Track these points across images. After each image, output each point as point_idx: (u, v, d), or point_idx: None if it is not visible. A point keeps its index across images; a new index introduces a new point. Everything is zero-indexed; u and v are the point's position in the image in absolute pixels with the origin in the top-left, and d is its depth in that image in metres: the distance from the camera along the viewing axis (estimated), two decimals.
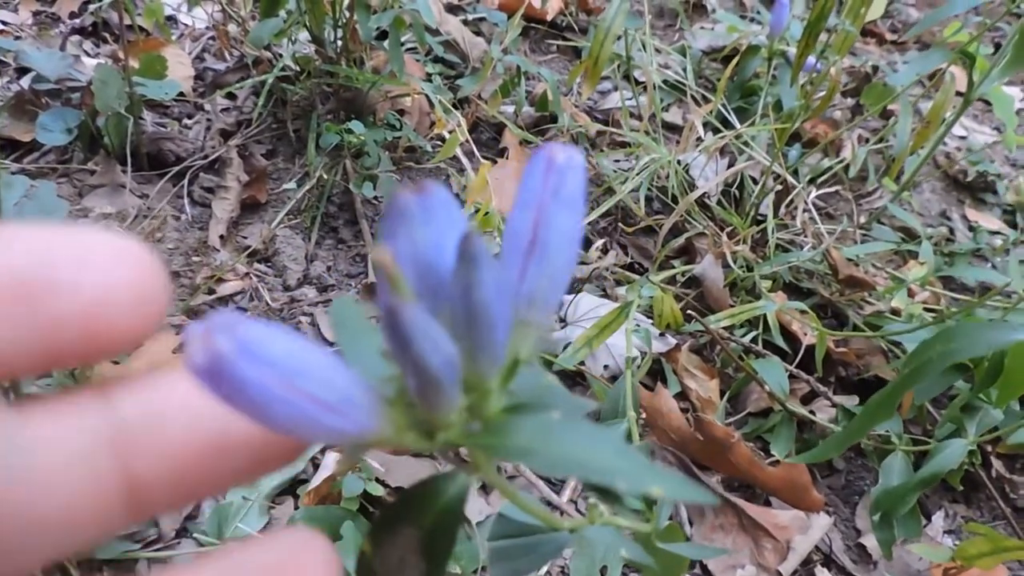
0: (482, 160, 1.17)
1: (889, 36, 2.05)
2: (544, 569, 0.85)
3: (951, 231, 1.44)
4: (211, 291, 1.07)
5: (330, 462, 0.83)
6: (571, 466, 0.21)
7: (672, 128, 1.50)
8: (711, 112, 1.28)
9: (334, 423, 0.19)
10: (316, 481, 0.82)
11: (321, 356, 0.19)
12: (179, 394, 0.20)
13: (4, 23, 1.41)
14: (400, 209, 0.21)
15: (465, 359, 0.22)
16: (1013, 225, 1.46)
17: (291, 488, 0.85)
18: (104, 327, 0.18)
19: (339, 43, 1.25)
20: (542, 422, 0.22)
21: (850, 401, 1.01)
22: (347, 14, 1.22)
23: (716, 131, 1.29)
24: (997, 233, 1.41)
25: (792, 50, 1.29)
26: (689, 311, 1.14)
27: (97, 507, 0.19)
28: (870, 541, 0.93)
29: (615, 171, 1.34)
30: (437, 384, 0.20)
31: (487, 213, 1.12)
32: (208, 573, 0.18)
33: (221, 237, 1.14)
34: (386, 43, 1.24)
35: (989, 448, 1.01)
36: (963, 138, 1.65)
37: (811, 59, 1.21)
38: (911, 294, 1.16)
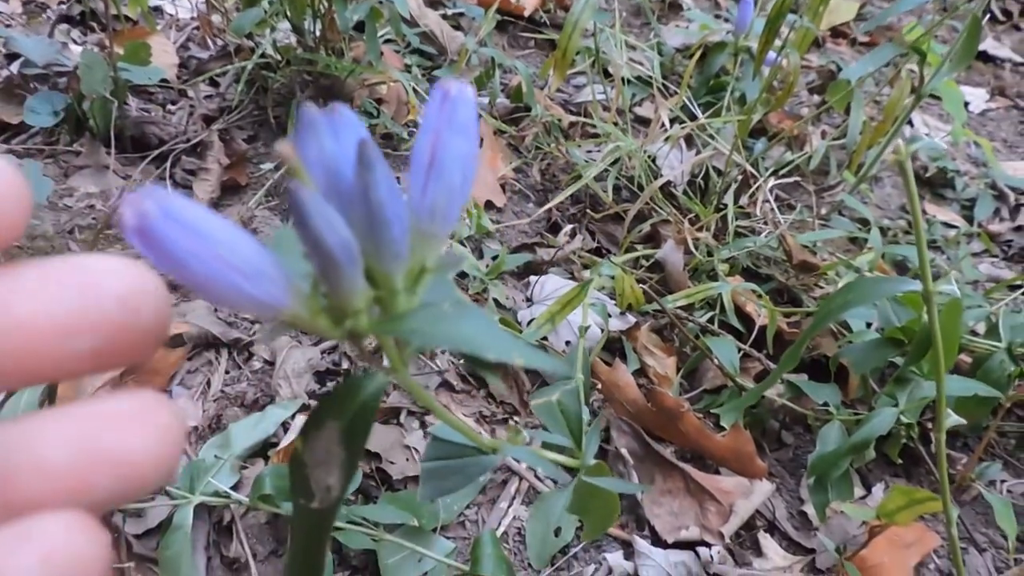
0: None
1: (862, 38, 2.11)
2: (502, 529, 0.90)
3: (909, 224, 1.49)
4: None
5: (299, 424, 0.88)
6: (448, 340, 0.25)
7: (645, 122, 1.55)
8: (677, 105, 1.33)
9: (251, 291, 0.22)
10: (285, 442, 0.86)
11: (240, 234, 0.22)
12: (31, 279, 0.20)
13: None
14: (308, 120, 0.24)
15: (369, 255, 0.26)
16: (969, 220, 1.52)
17: (263, 450, 0.90)
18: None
19: (318, 33, 1.30)
20: (435, 311, 0.26)
21: (799, 378, 1.06)
22: (326, 4, 1.27)
23: (683, 123, 1.34)
24: (951, 226, 1.47)
25: (756, 46, 1.34)
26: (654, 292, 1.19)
27: None
28: (812, 509, 0.98)
29: (586, 160, 1.39)
30: (335, 263, 0.23)
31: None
32: (66, 424, 0.19)
33: None
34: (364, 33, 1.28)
35: (930, 425, 1.06)
36: (927, 135, 1.70)
37: (772, 55, 1.26)
38: None
